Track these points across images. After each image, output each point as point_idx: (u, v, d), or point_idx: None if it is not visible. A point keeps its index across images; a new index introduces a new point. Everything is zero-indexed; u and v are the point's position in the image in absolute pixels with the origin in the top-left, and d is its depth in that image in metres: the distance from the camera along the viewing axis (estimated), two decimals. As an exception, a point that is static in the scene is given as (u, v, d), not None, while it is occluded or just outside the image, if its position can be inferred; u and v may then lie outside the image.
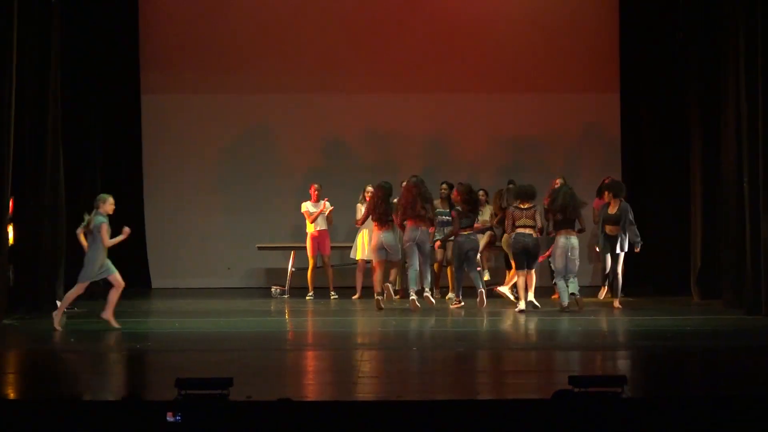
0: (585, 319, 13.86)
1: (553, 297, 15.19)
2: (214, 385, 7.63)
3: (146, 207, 18.32)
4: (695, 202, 15.87)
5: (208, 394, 7.56)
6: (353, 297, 16.35)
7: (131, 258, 18.19)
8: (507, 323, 13.87)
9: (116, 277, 12.87)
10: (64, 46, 15.25)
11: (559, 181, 15.86)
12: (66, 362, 10.92)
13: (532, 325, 13.51)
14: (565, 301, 14.58)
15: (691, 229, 15.97)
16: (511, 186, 15.78)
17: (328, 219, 16.49)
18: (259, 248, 17.40)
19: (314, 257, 16.50)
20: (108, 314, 12.83)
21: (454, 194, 15.29)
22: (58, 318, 12.79)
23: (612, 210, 15.08)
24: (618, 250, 14.99)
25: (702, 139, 15.64)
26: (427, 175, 17.07)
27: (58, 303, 14.40)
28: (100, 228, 12.69)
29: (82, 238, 12.87)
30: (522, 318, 14.01)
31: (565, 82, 18.30)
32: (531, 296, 14.83)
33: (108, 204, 12.85)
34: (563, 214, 14.69)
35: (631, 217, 14.99)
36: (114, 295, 12.86)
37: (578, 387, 7.62)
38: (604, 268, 15.40)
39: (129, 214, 18.13)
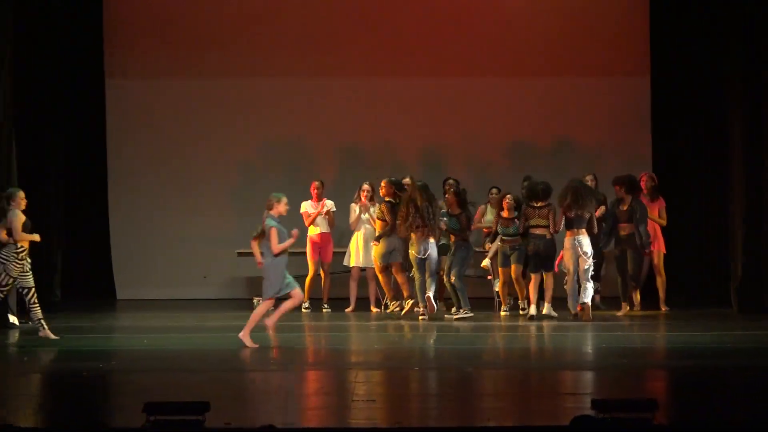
0: (610, 334, 13.88)
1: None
2: (188, 410, 7.65)
3: (111, 206, 18.29)
4: (736, 202, 15.87)
5: (182, 420, 7.57)
6: (346, 310, 16.36)
7: (93, 265, 18.23)
8: (520, 339, 13.88)
9: (297, 291, 12.81)
10: (15, 22, 15.18)
11: (589, 178, 16.01)
12: (18, 385, 10.92)
13: (548, 341, 13.52)
14: (573, 308, 14.95)
15: (731, 233, 15.98)
16: (526, 183, 15.85)
17: (329, 220, 16.49)
18: (239, 254, 17.40)
19: (315, 263, 16.50)
20: (271, 323, 12.77)
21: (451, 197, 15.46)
22: (247, 339, 12.70)
23: (624, 207, 15.26)
24: (635, 250, 15.18)
25: (744, 130, 15.63)
26: (434, 170, 17.10)
27: (11, 317, 14.38)
28: (269, 232, 12.60)
29: (255, 248, 12.74)
30: (537, 333, 14.04)
31: (588, 65, 18.27)
32: (548, 307, 15.12)
33: (282, 204, 12.72)
34: (573, 212, 14.89)
35: (642, 215, 15.21)
36: (287, 306, 12.78)
37: (602, 412, 7.64)
38: (623, 274, 15.44)
39: (91, 214, 18.20)
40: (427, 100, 18.34)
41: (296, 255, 17.09)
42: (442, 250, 15.78)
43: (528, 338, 13.92)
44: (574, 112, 18.33)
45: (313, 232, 16.47)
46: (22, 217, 13.23)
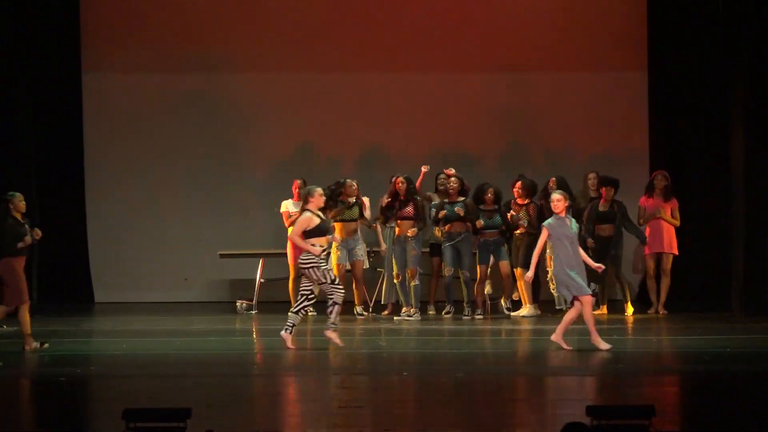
0: (605, 338, 13.92)
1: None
2: (168, 416, 7.67)
3: (88, 206, 18.25)
4: (737, 201, 15.92)
5: (162, 427, 7.60)
6: (333, 313, 16.37)
7: (70, 267, 18.18)
8: (512, 343, 13.92)
9: (577, 304, 12.63)
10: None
11: (591, 176, 16.14)
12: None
13: (541, 345, 13.57)
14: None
15: (733, 233, 16.03)
16: (521, 181, 15.95)
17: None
18: (222, 256, 17.42)
19: (295, 266, 16.49)
20: (558, 337, 12.68)
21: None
22: (560, 340, 12.65)
23: (604, 207, 15.39)
24: (614, 252, 15.46)
25: (746, 127, 15.70)
26: (426, 164, 17.11)
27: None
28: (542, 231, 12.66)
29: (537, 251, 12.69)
30: (530, 337, 14.09)
31: (584, 60, 18.25)
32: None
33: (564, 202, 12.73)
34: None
35: (628, 214, 15.52)
36: (572, 315, 12.64)
37: (596, 419, 7.67)
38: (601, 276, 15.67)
39: (68, 215, 18.13)
40: (419, 97, 18.31)
41: (267, 257, 17.14)
42: (435, 249, 15.95)
43: (520, 342, 13.96)
44: (568, 108, 18.28)
45: (293, 232, 16.49)
46: (313, 221, 12.73)
